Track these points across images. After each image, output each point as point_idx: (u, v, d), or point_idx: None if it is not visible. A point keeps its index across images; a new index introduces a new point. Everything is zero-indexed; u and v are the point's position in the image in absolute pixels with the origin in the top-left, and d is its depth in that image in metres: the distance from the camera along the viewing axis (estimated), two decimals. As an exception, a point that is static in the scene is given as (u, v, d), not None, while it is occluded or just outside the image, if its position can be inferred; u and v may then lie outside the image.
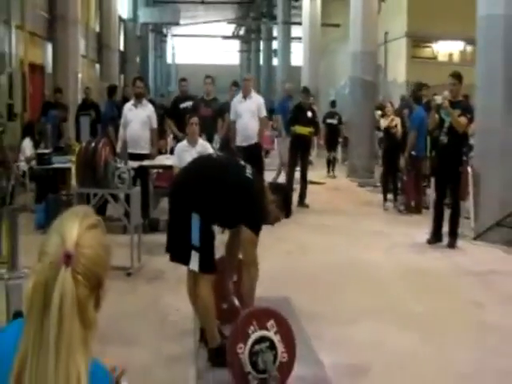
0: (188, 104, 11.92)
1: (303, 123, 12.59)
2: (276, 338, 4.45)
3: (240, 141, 11.33)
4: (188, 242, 4.74)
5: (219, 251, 5.32)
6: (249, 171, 5.01)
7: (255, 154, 11.31)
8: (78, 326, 1.30)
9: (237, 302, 5.52)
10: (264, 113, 11.62)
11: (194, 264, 4.78)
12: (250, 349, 4.40)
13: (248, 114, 11.27)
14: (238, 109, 11.39)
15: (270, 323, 4.46)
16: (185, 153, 8.61)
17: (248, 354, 4.39)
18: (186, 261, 4.84)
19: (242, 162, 5.18)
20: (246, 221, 4.83)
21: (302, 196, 12.74)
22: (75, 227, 1.32)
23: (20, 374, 1.30)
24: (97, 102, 15.68)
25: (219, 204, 4.84)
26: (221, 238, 5.50)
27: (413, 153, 11.89)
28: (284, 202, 5.14)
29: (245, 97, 11.44)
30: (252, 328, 4.43)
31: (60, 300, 1.28)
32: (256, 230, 4.83)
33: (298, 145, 12.77)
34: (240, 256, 5.26)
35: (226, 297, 5.51)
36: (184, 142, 9.05)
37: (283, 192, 5.29)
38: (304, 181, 12.83)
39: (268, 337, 4.43)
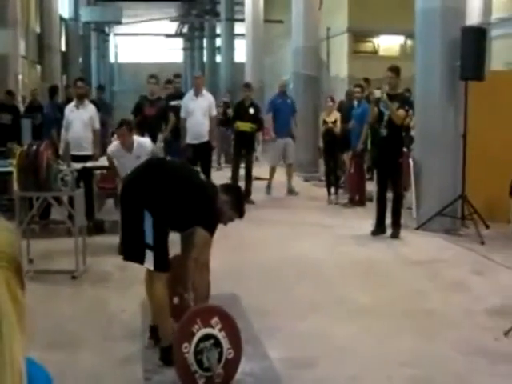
0: (178, 102, 11.70)
1: (245, 119, 12.61)
2: (221, 335, 4.49)
3: (191, 139, 11.35)
4: (142, 241, 4.77)
5: (176, 246, 5.37)
6: (201, 176, 5.11)
7: (205, 152, 11.40)
8: (13, 312, 1.30)
9: (192, 302, 5.53)
10: (215, 112, 11.71)
11: (149, 263, 4.82)
12: (195, 347, 4.43)
13: (200, 112, 11.29)
14: (189, 107, 11.38)
15: (215, 320, 4.50)
16: (122, 158, 8.06)
17: (193, 352, 4.43)
18: (140, 260, 4.87)
19: (194, 168, 5.29)
20: (202, 222, 4.84)
21: (248, 192, 12.78)
22: None
23: None
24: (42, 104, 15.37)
25: (173, 204, 4.89)
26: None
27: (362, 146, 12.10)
28: (237, 202, 5.15)
29: (196, 95, 11.46)
30: (196, 326, 4.46)
31: None
32: (211, 231, 4.87)
33: (241, 141, 12.81)
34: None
35: (182, 293, 5.53)
36: (119, 146, 8.18)
37: (235, 192, 5.32)
38: (249, 177, 12.90)
39: (212, 334, 4.47)
